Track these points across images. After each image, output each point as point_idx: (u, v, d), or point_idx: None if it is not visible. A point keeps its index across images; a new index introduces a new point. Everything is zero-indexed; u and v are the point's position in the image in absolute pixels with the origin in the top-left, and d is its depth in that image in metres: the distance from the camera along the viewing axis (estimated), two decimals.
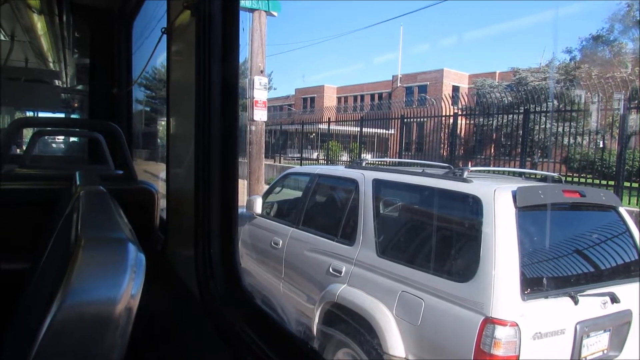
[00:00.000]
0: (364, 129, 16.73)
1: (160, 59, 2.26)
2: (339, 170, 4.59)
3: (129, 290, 0.67)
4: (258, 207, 4.83)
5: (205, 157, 1.60)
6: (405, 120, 14.72)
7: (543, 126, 10.98)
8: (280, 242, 4.27)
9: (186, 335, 1.81)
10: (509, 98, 13.19)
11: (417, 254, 3.16)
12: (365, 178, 3.67)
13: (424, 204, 3.48)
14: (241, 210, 4.99)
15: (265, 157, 22.25)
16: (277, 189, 5.23)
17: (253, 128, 9.75)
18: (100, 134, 3.15)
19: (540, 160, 12.05)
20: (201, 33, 1.58)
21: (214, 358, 1.56)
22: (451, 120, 12.78)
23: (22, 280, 1.39)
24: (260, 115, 9.61)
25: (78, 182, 1.52)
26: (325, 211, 4.37)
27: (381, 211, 3.55)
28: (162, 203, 2.41)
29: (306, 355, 1.40)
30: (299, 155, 20.71)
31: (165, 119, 2.11)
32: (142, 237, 0.96)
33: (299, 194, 4.73)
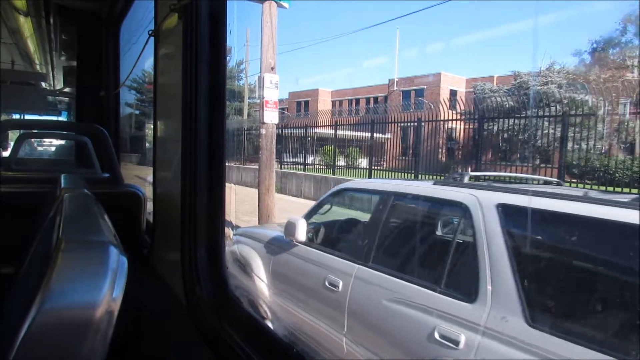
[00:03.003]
0: (356, 133, 16.73)
1: (149, 62, 2.30)
2: (429, 188, 3.40)
3: (109, 294, 0.67)
4: (301, 233, 3.74)
5: (192, 161, 1.63)
6: (408, 124, 14.75)
7: (546, 131, 11.00)
8: (341, 283, 3.23)
9: (172, 339, 1.83)
10: (510, 102, 13.25)
11: (618, 332, 2.06)
12: (481, 202, 2.64)
13: (612, 248, 2.27)
14: (277, 233, 4.21)
15: (250, 162, 22.17)
16: (325, 207, 4.11)
17: (263, 131, 8.94)
18: (87, 137, 3.18)
19: (542, 165, 12.09)
20: (188, 36, 1.61)
21: None
22: (458, 125, 12.81)
23: (5, 285, 1.41)
24: (271, 117, 8.89)
25: (62, 185, 1.53)
26: (414, 246, 3.30)
27: (525, 255, 2.47)
28: (150, 206, 2.44)
29: (292, 359, 1.42)
30: (293, 159, 20.70)
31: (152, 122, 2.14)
32: (128, 241, 0.97)
33: (355, 214, 3.91)
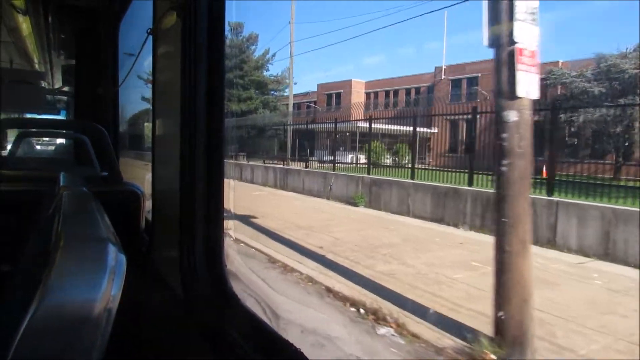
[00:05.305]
0: (395, 127, 16.39)
1: (148, 61, 2.58)
2: None
3: (108, 291, 0.74)
4: None
5: (191, 159, 1.87)
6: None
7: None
8: None
9: (170, 337, 2.08)
10: (600, 89, 12.80)
11: None
12: None
13: None
14: None
15: (292, 161, 21.56)
16: None
17: (512, 116, 4.94)
18: (86, 136, 3.49)
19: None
20: (187, 34, 1.85)
21: None
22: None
23: (2, 283, 1.54)
24: (528, 84, 4.96)
25: (61, 184, 1.76)
26: None
27: None
28: (149, 205, 2.71)
29: (291, 356, 1.57)
30: (328, 158, 20.33)
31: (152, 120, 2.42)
32: (127, 239, 1.18)
33: None
